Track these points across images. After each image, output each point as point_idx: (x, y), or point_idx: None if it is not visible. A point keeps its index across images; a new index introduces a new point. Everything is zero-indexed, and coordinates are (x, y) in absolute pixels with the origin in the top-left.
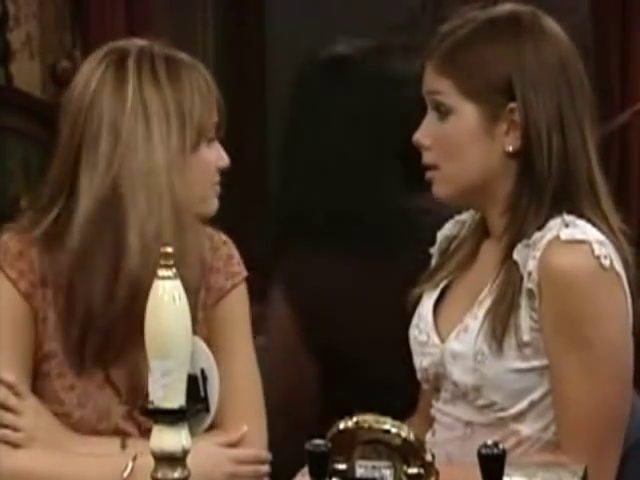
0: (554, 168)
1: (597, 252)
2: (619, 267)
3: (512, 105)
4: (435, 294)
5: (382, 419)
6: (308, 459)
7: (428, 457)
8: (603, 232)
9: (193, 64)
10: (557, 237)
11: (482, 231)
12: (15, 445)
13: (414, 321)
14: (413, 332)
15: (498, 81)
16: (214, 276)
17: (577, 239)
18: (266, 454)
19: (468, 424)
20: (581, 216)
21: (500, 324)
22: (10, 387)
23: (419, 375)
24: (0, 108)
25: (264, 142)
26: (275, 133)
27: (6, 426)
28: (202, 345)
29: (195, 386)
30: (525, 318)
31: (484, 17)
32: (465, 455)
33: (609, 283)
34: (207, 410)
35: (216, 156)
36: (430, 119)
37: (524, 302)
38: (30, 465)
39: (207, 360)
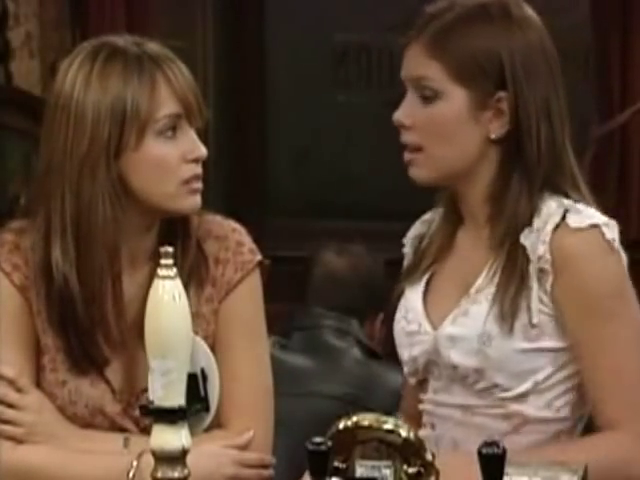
0: (543, 155)
1: (607, 236)
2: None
3: (501, 94)
4: (420, 286)
5: (382, 418)
6: (308, 458)
7: (428, 456)
8: None
9: (140, 54)
10: (566, 224)
11: (456, 218)
12: (17, 441)
13: (399, 314)
14: (399, 325)
15: (490, 68)
16: (221, 268)
17: (587, 225)
18: (270, 458)
19: (467, 408)
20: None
21: (510, 306)
22: (11, 382)
23: (406, 368)
24: (0, 107)
25: (264, 141)
26: (275, 132)
27: (8, 422)
28: (202, 344)
29: (195, 385)
30: (535, 300)
31: (474, 2)
32: (469, 438)
33: (619, 263)
34: (207, 409)
35: (177, 150)
36: (412, 100)
37: (535, 284)
38: (32, 462)
39: (207, 359)
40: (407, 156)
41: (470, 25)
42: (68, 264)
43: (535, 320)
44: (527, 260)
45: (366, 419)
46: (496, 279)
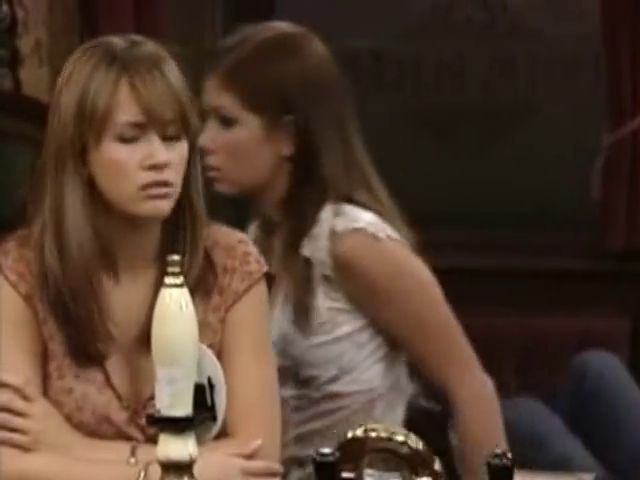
0: (335, 169)
1: (370, 231)
2: (397, 236)
3: (287, 118)
4: None
5: (391, 428)
6: (316, 469)
7: (437, 466)
8: (377, 213)
9: (116, 56)
10: (335, 230)
11: (270, 229)
12: (22, 448)
13: None
14: None
15: (276, 96)
16: (228, 277)
17: (351, 228)
18: (278, 467)
19: (299, 397)
20: (357, 204)
21: (299, 309)
22: (17, 391)
23: None
24: (9, 114)
25: None
26: None
27: (14, 429)
28: (209, 353)
29: (202, 394)
30: (323, 301)
31: (261, 37)
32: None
33: (390, 247)
34: (214, 419)
35: (135, 155)
36: (213, 127)
37: (321, 287)
38: (38, 470)
39: (214, 368)
40: (210, 174)
41: (258, 58)
42: (56, 265)
43: (325, 317)
44: (310, 266)
45: (375, 429)
46: (283, 286)
